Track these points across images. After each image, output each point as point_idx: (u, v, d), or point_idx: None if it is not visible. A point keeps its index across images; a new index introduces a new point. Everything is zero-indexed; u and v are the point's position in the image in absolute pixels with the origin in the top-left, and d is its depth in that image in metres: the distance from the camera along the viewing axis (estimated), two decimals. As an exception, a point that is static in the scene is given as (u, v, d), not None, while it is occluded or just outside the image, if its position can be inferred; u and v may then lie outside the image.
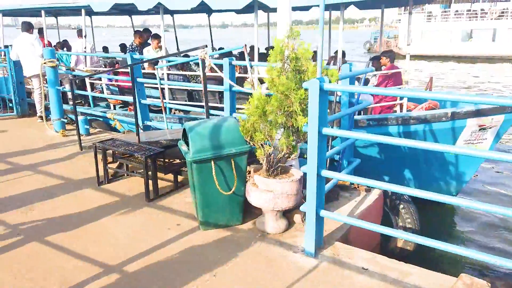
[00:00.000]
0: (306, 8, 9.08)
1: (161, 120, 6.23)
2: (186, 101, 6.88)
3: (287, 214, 3.42)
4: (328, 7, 8.63)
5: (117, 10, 8.83)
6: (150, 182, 3.92)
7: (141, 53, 8.02)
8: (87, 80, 7.54)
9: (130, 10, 10.84)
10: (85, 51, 7.62)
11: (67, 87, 7.09)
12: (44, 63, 6.31)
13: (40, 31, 10.65)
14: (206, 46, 3.70)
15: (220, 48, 10.11)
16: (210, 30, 10.66)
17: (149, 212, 3.74)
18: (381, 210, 4.17)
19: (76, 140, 6.01)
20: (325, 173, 2.80)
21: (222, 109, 5.83)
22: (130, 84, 7.34)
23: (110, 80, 7.72)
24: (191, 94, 6.91)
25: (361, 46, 48.77)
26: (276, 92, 2.89)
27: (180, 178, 4.28)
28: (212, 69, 3.97)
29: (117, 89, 7.74)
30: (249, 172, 3.50)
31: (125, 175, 4.54)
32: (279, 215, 3.29)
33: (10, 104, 7.57)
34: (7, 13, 9.36)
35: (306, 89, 2.71)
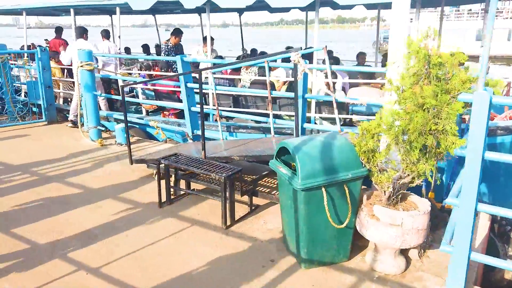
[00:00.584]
0: (350, 7, 8.55)
1: (210, 129, 5.69)
2: (230, 106, 6.34)
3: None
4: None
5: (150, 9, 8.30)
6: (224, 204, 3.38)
7: (176, 54, 7.49)
8: (121, 84, 7.01)
9: (155, 9, 10.33)
10: (119, 53, 7.08)
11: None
12: (81, 66, 5.78)
13: (59, 30, 10.17)
14: (301, 48, 3.15)
15: (253, 50, 9.53)
16: (241, 29, 10.12)
17: (230, 242, 3.19)
18: (487, 237, 3.62)
19: (117, 151, 5.51)
20: (483, 207, 2.24)
21: (273, 116, 5.31)
22: (170, 89, 6.87)
23: (145, 84, 7.19)
24: (236, 99, 6.36)
25: (367, 45, 48.00)
26: (414, 105, 2.34)
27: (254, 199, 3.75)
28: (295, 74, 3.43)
29: (152, 93, 7.21)
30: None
31: (186, 193, 4.00)
32: (398, 252, 2.74)
33: (34, 109, 7.06)
34: (31, 12, 8.87)
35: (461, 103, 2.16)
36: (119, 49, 7.13)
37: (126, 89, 7.72)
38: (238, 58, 9.42)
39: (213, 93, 5.26)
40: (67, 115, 7.73)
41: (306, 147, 2.65)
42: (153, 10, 9.74)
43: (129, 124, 6.64)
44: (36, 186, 4.28)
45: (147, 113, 7.62)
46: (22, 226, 3.44)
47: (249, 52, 9.26)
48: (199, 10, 9.60)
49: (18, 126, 6.81)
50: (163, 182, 3.77)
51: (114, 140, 6.01)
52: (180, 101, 6.86)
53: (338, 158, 2.65)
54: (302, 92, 4.19)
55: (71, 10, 7.43)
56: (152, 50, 11.52)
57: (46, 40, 10.94)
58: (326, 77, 4.10)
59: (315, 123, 5.20)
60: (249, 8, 8.70)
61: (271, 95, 4.68)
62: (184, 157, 3.81)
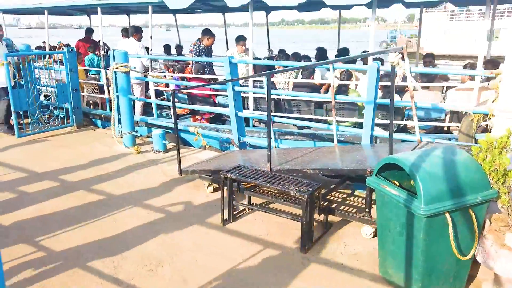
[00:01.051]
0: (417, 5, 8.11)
1: (252, 135, 5.32)
2: (272, 111, 5.96)
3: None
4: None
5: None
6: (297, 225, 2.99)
7: (208, 55, 7.12)
8: (152, 87, 6.64)
9: (176, 9, 9.96)
10: (151, 54, 6.70)
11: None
12: (116, 68, 5.41)
13: (90, 31, 9.83)
14: (402, 48, 2.76)
15: (281, 50, 9.12)
16: (268, 29, 9.74)
17: (315, 270, 2.80)
18: None
19: (156, 159, 5.14)
20: None
21: (317, 121, 4.93)
22: (205, 92, 6.49)
23: (178, 86, 6.82)
24: (277, 103, 5.98)
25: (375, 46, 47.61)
26: None
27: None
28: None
29: (185, 97, 6.83)
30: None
31: (247, 209, 3.62)
32: (527, 286, 2.35)
33: (57, 113, 6.68)
34: (51, 11, 8.51)
35: None
36: (151, 50, 6.78)
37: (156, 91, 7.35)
38: (269, 59, 9.05)
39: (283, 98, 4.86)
40: (94, 119, 7.38)
41: (425, 165, 2.26)
42: (177, 10, 9.38)
43: (164, 130, 6.32)
44: (79, 200, 3.91)
45: (178, 117, 7.26)
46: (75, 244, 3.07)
47: (276, 52, 8.87)
48: (227, 10, 9.26)
49: (48, 133, 6.44)
50: (214, 193, 3.39)
51: (149, 146, 5.64)
52: (216, 105, 6.52)
53: (464, 178, 2.26)
54: (374, 97, 3.80)
55: (98, 9, 7.06)
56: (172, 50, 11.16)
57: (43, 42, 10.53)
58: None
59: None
60: (304, 7, 8.30)
61: (333, 100, 4.28)
62: (248, 170, 3.42)
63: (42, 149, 5.61)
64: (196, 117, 7.03)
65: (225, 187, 3.39)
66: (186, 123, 5.99)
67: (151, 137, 5.62)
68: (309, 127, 5.47)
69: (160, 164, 4.96)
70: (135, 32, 6.98)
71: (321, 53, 7.48)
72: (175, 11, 10.61)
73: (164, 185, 4.29)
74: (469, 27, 37.87)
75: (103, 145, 5.80)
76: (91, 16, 10.58)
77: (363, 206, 3.26)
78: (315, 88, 5.95)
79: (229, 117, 6.30)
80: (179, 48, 10.91)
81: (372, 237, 3.13)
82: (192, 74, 6.95)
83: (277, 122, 5.43)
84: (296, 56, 6.88)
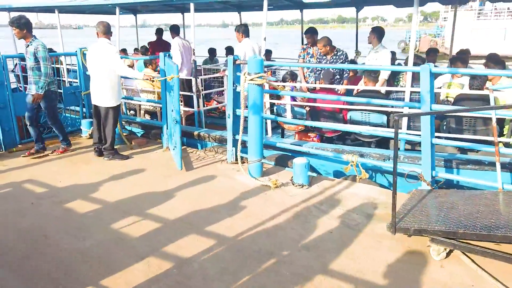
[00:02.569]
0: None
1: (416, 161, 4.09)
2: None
3: None
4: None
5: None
6: None
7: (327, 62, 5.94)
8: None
9: (238, 6, 8.87)
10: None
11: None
12: (250, 79, 4.22)
13: (160, 31, 8.73)
14: None
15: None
16: (302, 26, 8.67)
17: None
18: None
19: (307, 199, 3.94)
20: None
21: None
22: (336, 106, 5.27)
23: (294, 98, 5.63)
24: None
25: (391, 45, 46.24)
26: None
27: None
28: None
29: (302, 111, 5.63)
30: None
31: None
32: None
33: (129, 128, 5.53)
34: (65, 9, 7.52)
35: None
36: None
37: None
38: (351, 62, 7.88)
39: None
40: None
41: None
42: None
43: (282, 153, 5.13)
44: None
45: (282, 134, 6.07)
46: None
47: (363, 54, 7.72)
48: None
49: (136, 154, 5.28)
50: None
51: (286, 178, 4.44)
52: (346, 122, 5.31)
53: None
54: None
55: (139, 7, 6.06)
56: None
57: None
58: None
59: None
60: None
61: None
62: None
63: (145, 181, 4.44)
64: (309, 134, 5.83)
65: None
66: (331, 147, 4.76)
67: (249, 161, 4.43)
68: (476, 150, 4.28)
69: (320, 207, 3.75)
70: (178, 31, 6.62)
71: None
72: (239, 9, 9.45)
73: (366, 250, 3.08)
74: (498, 26, 36.72)
75: (222, 175, 4.61)
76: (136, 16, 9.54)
77: None
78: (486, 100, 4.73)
79: (357, 137, 5.16)
80: (230, 50, 9.70)
81: None
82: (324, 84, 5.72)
83: (438, 144, 4.22)
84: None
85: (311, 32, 6.67)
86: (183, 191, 4.15)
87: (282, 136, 5.99)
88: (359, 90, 5.29)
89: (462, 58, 5.68)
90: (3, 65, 5.28)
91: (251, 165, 4.49)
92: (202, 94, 6.27)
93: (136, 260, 2.89)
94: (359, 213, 3.60)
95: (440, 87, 5.23)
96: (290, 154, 5.09)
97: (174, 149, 4.98)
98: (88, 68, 5.27)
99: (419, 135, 3.85)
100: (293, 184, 4.29)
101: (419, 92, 3.89)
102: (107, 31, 5.03)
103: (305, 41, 6.86)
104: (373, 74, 5.31)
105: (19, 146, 5.58)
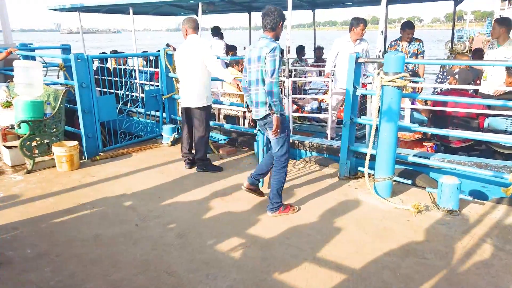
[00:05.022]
0: None
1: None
2: None
3: None
4: None
5: None
6: None
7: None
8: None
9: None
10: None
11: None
12: (389, 81, 3.49)
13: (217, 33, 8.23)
14: None
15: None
16: (314, 28, 8.01)
17: None
18: None
19: (468, 229, 3.15)
20: None
21: None
22: (472, 111, 4.45)
23: (413, 102, 4.84)
24: None
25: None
26: None
27: None
28: None
29: (424, 118, 4.84)
30: None
31: None
32: None
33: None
34: (85, 9, 7.10)
35: None
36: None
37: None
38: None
39: None
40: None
41: None
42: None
43: (411, 168, 4.36)
44: None
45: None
46: None
47: None
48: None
49: (228, 164, 4.69)
50: None
51: (420, 200, 3.69)
52: (483, 130, 4.47)
53: None
54: None
55: (200, 4, 5.65)
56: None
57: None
58: None
59: None
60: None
61: None
62: None
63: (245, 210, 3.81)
64: (424, 144, 5.03)
65: None
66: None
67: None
68: None
69: (500, 245, 2.96)
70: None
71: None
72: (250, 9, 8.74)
73: None
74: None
75: (341, 193, 3.91)
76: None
77: None
78: None
79: (493, 147, 4.30)
80: (320, 50, 9.00)
81: None
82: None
83: None
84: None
85: (410, 27, 5.96)
86: (312, 219, 3.48)
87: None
88: (501, 92, 4.43)
89: None
90: (88, 66, 4.85)
91: (380, 183, 3.76)
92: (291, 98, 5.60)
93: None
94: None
95: None
96: (411, 168, 4.33)
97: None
98: (177, 68, 4.74)
99: None
100: (438, 208, 3.52)
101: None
102: (196, 27, 4.52)
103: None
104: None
105: (101, 154, 5.15)
